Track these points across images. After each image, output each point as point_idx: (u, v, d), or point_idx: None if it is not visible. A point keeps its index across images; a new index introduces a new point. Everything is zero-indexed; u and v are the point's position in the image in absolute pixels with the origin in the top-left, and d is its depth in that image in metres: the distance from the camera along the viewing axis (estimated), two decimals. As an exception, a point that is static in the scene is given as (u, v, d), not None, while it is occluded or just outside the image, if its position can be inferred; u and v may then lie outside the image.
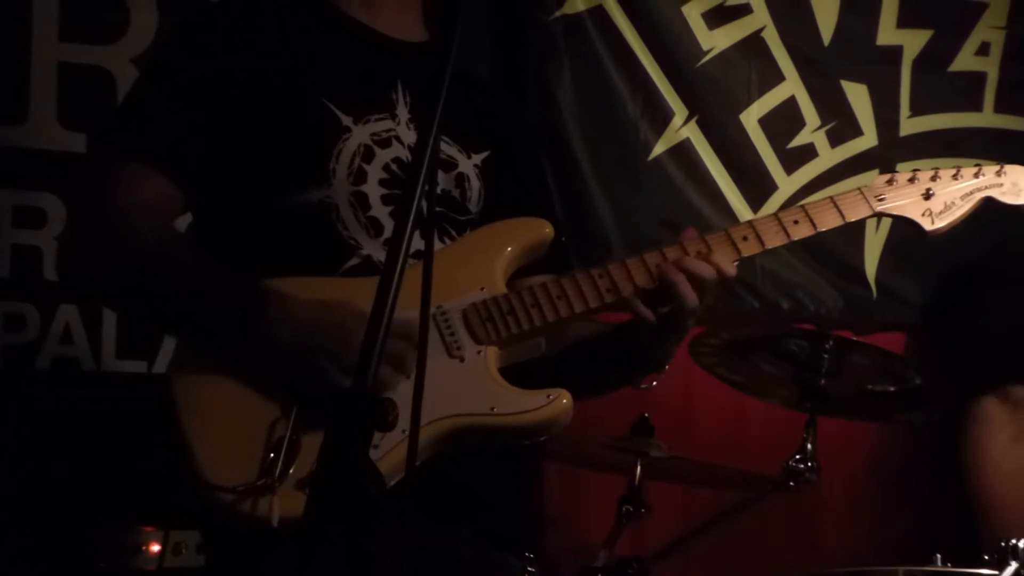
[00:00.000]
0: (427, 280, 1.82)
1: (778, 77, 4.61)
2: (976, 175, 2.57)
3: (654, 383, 3.46)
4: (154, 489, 3.07)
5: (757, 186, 4.56)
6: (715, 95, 4.55)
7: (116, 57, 3.96)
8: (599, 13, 4.41)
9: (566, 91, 4.39)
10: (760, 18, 4.58)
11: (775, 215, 2.50)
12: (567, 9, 4.39)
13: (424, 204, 1.77)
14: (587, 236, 4.33)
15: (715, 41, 4.54)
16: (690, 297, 2.38)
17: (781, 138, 4.60)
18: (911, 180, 2.56)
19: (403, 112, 2.52)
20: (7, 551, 3.71)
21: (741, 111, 4.57)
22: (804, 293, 4.60)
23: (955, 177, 2.57)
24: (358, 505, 1.65)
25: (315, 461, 2.17)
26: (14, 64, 3.91)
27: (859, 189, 2.54)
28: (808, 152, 4.63)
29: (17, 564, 3.71)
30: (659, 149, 4.48)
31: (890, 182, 2.56)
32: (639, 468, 3.90)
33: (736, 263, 2.44)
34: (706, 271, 2.38)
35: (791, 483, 3.79)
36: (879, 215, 2.56)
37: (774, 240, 2.47)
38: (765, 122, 4.59)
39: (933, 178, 2.56)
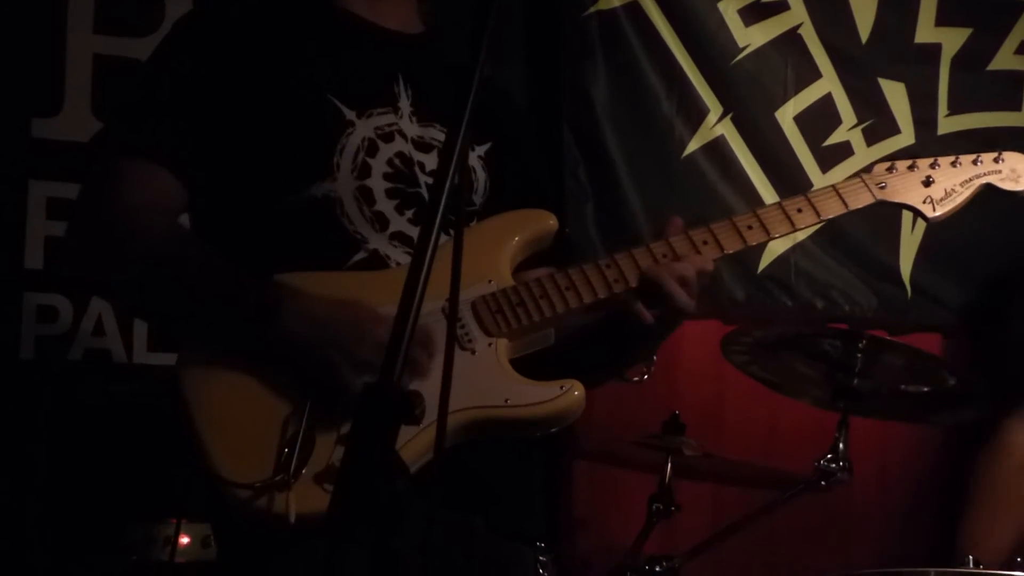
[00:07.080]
0: (456, 273, 1.81)
1: (815, 74, 4.58)
2: (975, 162, 2.57)
3: (645, 376, 3.42)
4: (183, 482, 3.07)
5: (792, 184, 4.52)
6: (751, 92, 4.53)
7: (151, 49, 3.93)
8: (634, 8, 4.40)
9: (600, 88, 4.38)
10: (797, 15, 4.56)
11: (779, 203, 2.50)
12: (602, 5, 4.38)
13: (444, 201, 1.76)
14: (620, 233, 4.31)
15: (751, 38, 4.52)
16: (682, 297, 2.39)
17: (817, 136, 4.58)
18: (911, 168, 2.55)
19: (405, 105, 2.52)
20: (38, 542, 3.73)
21: (777, 108, 4.55)
22: (838, 293, 4.57)
23: (954, 164, 2.57)
24: (386, 503, 1.64)
25: (330, 456, 2.21)
26: (49, 56, 3.94)
27: (860, 176, 2.54)
28: (844, 150, 4.60)
29: (48, 556, 3.72)
30: (693, 146, 4.46)
31: (890, 169, 2.55)
32: (670, 466, 3.89)
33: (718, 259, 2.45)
34: (687, 271, 2.39)
35: (822, 483, 3.78)
36: (881, 203, 2.55)
37: (779, 228, 2.47)
38: (801, 119, 4.56)
39: (932, 165, 2.56)
